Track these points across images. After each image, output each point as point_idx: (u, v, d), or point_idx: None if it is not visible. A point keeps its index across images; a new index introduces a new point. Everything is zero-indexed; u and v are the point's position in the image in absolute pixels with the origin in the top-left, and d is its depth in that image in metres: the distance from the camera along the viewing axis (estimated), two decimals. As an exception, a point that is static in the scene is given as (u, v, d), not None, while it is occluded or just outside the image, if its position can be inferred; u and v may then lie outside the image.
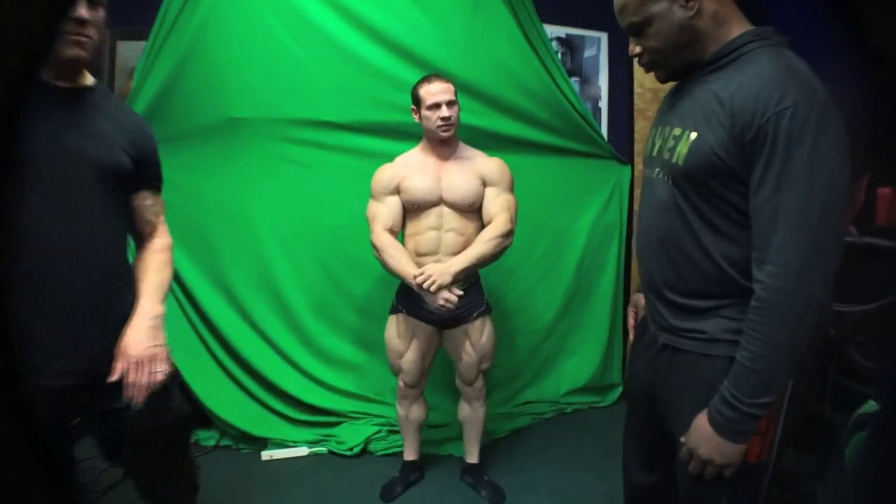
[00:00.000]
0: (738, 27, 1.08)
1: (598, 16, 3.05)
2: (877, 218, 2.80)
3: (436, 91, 2.04)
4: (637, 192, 3.21)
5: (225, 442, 2.68)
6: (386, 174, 2.15)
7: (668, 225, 1.14)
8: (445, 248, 2.09)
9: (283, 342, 2.73)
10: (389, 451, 2.61)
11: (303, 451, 2.62)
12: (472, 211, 2.12)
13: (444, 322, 2.16)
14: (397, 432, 2.66)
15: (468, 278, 2.13)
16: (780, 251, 0.96)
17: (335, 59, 2.61)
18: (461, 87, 2.68)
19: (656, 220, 1.18)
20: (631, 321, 1.54)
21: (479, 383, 2.27)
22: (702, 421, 1.07)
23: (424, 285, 1.91)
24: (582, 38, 3.06)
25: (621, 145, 3.13)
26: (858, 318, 2.06)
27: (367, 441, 2.63)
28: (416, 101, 2.10)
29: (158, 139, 2.53)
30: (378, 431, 2.67)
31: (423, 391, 2.31)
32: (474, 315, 2.18)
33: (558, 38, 3.01)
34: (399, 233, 2.16)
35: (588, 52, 3.08)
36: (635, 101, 3.17)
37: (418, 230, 2.11)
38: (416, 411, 2.31)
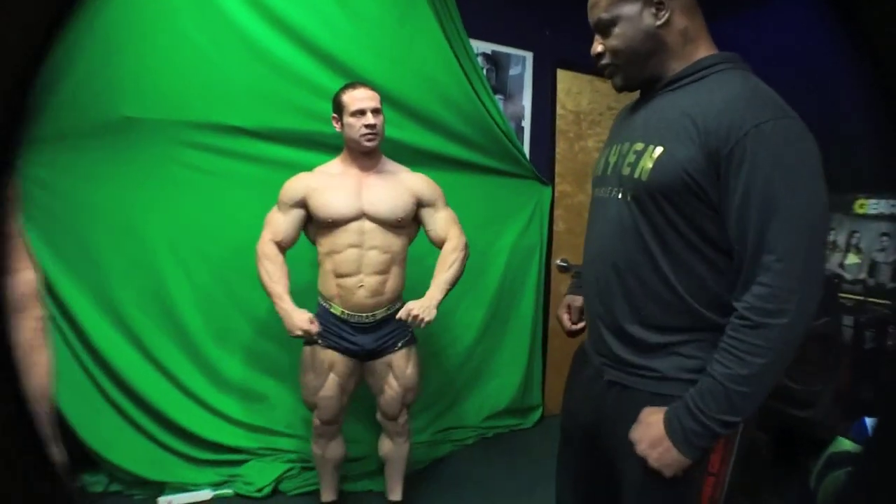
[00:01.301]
0: (704, 49, 1.06)
1: (525, 34, 3.04)
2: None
3: (361, 97, 1.90)
4: (558, 213, 3.21)
5: (114, 487, 2.36)
6: (295, 185, 1.98)
7: (624, 249, 1.07)
8: (368, 266, 1.94)
9: (181, 371, 2.44)
10: (304, 489, 2.41)
11: (206, 494, 2.36)
12: (399, 227, 1.99)
13: (368, 352, 2.01)
14: (312, 468, 2.47)
15: (391, 304, 2.00)
16: (769, 272, 0.91)
17: (248, 58, 2.38)
18: (384, 96, 2.53)
19: (609, 243, 1.11)
20: (565, 320, 1.41)
21: (403, 418, 2.13)
22: (654, 419, 1.01)
23: (413, 325, 1.83)
24: (508, 55, 3.01)
25: (542, 165, 3.13)
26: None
27: (279, 480, 2.42)
28: (338, 108, 1.94)
29: (41, 137, 2.26)
30: (290, 469, 2.46)
31: (340, 427, 2.13)
32: (399, 345, 2.04)
33: (484, 55, 2.95)
34: (287, 249, 2.03)
35: (513, 70, 3.04)
36: (557, 121, 3.18)
37: (335, 247, 1.93)
38: (334, 449, 2.13)
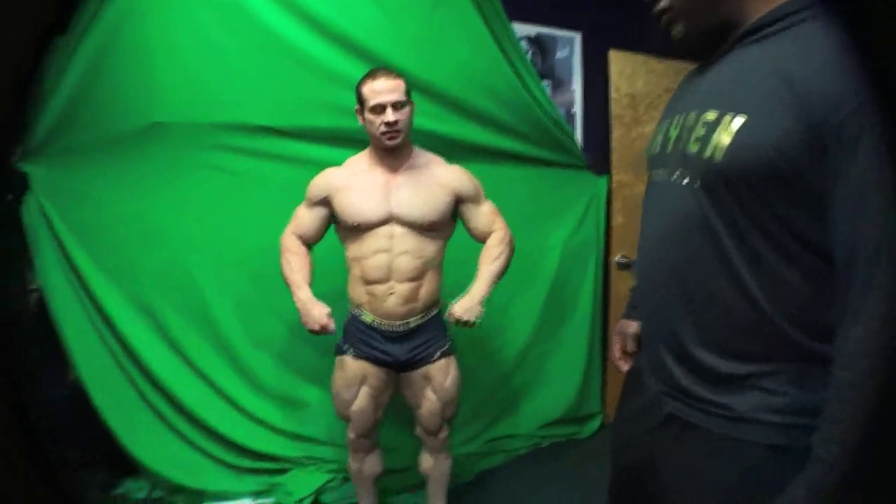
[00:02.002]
0: None
1: (572, 13, 2.83)
2: None
3: (380, 89, 1.71)
4: (616, 205, 2.98)
5: (157, 494, 2.35)
6: (319, 182, 1.88)
7: (690, 250, 0.84)
8: (398, 273, 1.79)
9: (220, 377, 2.40)
10: (345, 502, 2.30)
11: (246, 503, 2.32)
12: (431, 229, 1.81)
13: (401, 364, 1.86)
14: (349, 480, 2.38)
15: (427, 311, 1.85)
16: (889, 298, 0.66)
17: (274, 55, 2.31)
18: (418, 88, 2.40)
19: (670, 242, 0.89)
20: (616, 352, 1.23)
21: (444, 433, 1.97)
22: None
23: (460, 325, 1.72)
24: (554, 37, 2.82)
25: (597, 155, 2.91)
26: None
27: (319, 491, 2.33)
28: (360, 100, 1.79)
29: (75, 146, 2.28)
30: (331, 479, 2.37)
31: (377, 441, 2.01)
32: (436, 355, 1.88)
33: (527, 38, 2.77)
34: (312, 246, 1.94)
35: (560, 54, 2.84)
36: (612, 106, 2.95)
37: (363, 253, 1.79)
38: (371, 464, 2.01)
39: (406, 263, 1.78)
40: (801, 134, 0.70)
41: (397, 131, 1.73)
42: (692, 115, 0.86)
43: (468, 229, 1.92)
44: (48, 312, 2.30)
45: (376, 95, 1.72)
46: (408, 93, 1.79)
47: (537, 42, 2.80)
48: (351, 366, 1.86)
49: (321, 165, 2.15)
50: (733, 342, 0.82)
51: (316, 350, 2.42)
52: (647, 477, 0.98)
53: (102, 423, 2.31)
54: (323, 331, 1.74)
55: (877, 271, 0.67)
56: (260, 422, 2.42)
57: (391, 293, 1.79)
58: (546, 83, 2.82)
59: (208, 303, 2.39)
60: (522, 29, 2.73)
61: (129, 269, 2.34)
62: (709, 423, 0.85)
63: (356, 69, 2.31)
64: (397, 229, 1.78)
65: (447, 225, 1.88)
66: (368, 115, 1.75)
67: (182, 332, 2.37)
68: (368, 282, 1.81)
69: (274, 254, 2.24)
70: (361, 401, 1.88)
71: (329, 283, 2.01)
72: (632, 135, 3.00)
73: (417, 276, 1.80)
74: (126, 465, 2.39)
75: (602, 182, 2.90)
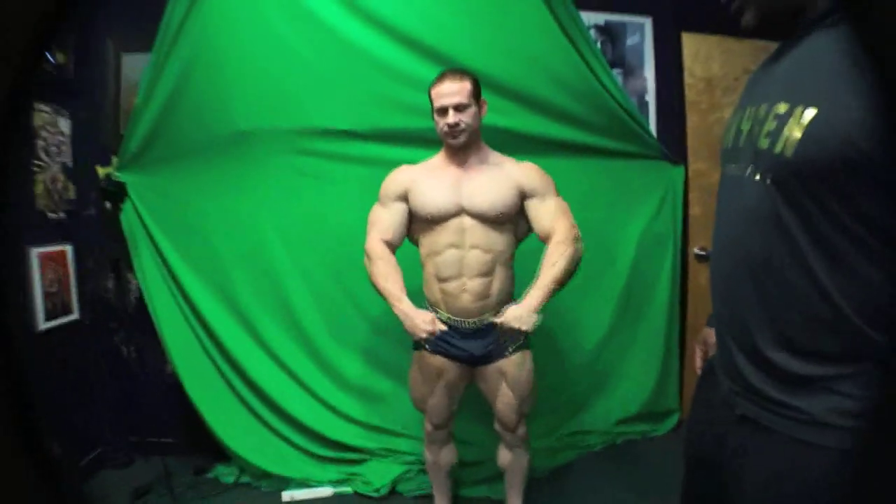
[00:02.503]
0: None
1: (640, -1, 2.75)
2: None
3: (444, 93, 1.76)
4: (693, 196, 2.87)
5: (245, 479, 2.51)
6: (397, 178, 1.90)
7: (763, 246, 0.82)
8: (469, 269, 1.81)
9: (303, 372, 2.53)
10: (420, 492, 2.37)
11: (326, 491, 2.41)
12: (502, 223, 1.82)
13: (476, 359, 1.89)
14: (426, 472, 2.43)
15: (500, 308, 1.86)
16: None
17: (350, 61, 2.39)
18: (489, 84, 2.40)
19: (743, 238, 0.86)
20: (698, 361, 1.21)
21: (522, 429, 1.98)
22: None
23: (508, 334, 1.66)
24: (623, 24, 2.75)
25: (673, 143, 2.80)
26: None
27: (396, 481, 2.41)
28: (430, 102, 1.84)
29: (167, 155, 2.45)
30: (407, 471, 2.44)
31: (451, 432, 2.05)
32: (510, 349, 1.89)
33: (597, 27, 2.71)
34: (396, 248, 1.91)
35: (630, 41, 2.77)
36: (686, 92, 2.84)
37: (435, 248, 1.83)
38: (446, 455, 2.06)
39: (476, 258, 1.80)
40: (875, 122, 0.66)
41: (460, 131, 1.76)
42: (763, 108, 0.83)
43: (533, 227, 1.85)
44: (147, 309, 2.50)
45: (440, 98, 1.77)
46: (475, 94, 1.80)
47: (607, 30, 2.73)
48: (428, 360, 1.91)
49: (397, 165, 2.21)
50: (808, 342, 0.79)
51: (394, 345, 2.50)
52: (720, 477, 0.96)
53: (196, 413, 2.49)
54: (431, 335, 1.69)
55: None
56: (340, 414, 2.52)
57: (464, 290, 1.82)
58: (617, 72, 2.75)
59: (291, 300, 2.51)
60: (591, 17, 2.68)
61: (217, 267, 2.50)
62: (780, 425, 0.83)
63: (427, 70, 2.35)
64: (467, 221, 1.80)
65: (517, 221, 1.87)
66: (435, 117, 1.81)
67: (267, 328, 2.51)
68: (442, 279, 1.84)
69: (354, 252, 2.32)
70: (438, 394, 1.92)
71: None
72: (709, 121, 2.88)
73: (488, 272, 1.82)
74: (217, 452, 2.56)
75: (678, 172, 2.80)
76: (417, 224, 1.88)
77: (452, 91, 1.75)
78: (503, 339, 1.74)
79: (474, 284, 1.82)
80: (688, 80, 2.83)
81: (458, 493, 2.27)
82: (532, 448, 2.54)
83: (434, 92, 1.79)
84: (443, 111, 1.76)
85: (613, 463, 2.60)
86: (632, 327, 2.81)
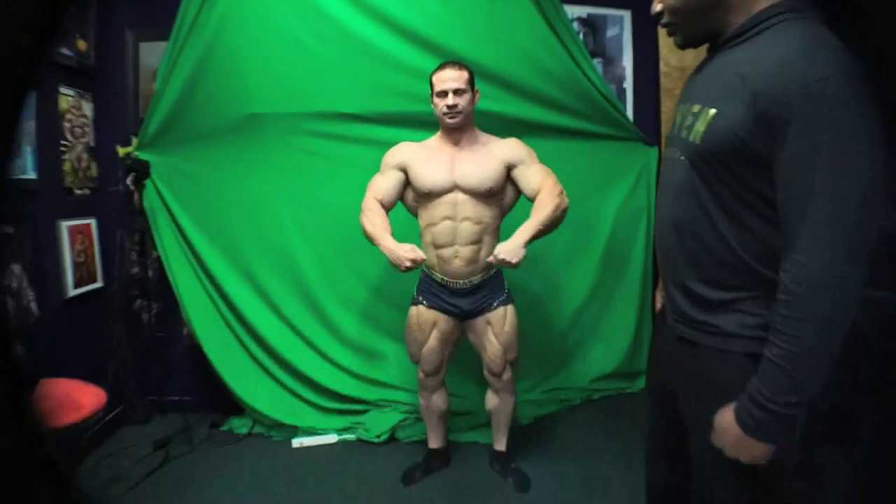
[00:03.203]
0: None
1: (621, -7, 2.97)
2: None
3: (445, 78, 2.02)
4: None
5: (258, 429, 2.77)
6: (398, 151, 2.16)
7: (685, 210, 1.07)
8: (461, 238, 2.08)
9: (311, 332, 2.79)
10: (416, 438, 2.64)
11: (332, 438, 2.68)
12: (490, 196, 2.09)
13: (466, 313, 2.17)
14: (422, 420, 2.70)
15: (486, 271, 2.13)
16: (810, 242, 0.89)
17: (352, 50, 2.61)
18: (480, 73, 2.65)
19: (673, 204, 1.11)
20: (658, 306, 1.47)
21: (507, 375, 2.25)
22: (727, 421, 1.00)
23: (502, 265, 1.89)
24: (604, 17, 2.97)
25: (648, 127, 3.05)
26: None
27: (394, 428, 2.67)
28: (431, 87, 2.09)
29: (184, 136, 2.67)
30: (405, 419, 2.71)
31: (443, 380, 2.32)
32: (495, 304, 2.17)
33: (579, 19, 2.94)
34: (388, 209, 2.14)
35: (611, 32, 3.00)
36: (661, 80, 3.07)
37: (433, 220, 2.10)
38: (437, 401, 2.32)
39: (467, 228, 2.08)
40: (752, 122, 0.92)
41: (458, 112, 2.02)
42: (687, 106, 1.09)
43: (523, 190, 2.10)
44: (167, 278, 2.74)
45: (441, 83, 2.02)
46: (471, 83, 2.06)
47: (588, 22, 2.96)
48: (424, 314, 2.19)
49: (392, 145, 2.44)
50: (718, 276, 1.05)
51: (391, 308, 2.77)
52: (671, 388, 1.21)
53: (212, 372, 2.75)
54: (414, 263, 1.88)
55: (804, 221, 0.90)
56: (344, 369, 2.79)
57: (456, 255, 2.09)
58: (598, 61, 2.99)
59: (300, 266, 2.76)
60: (574, 10, 2.91)
61: (231, 238, 2.74)
62: (705, 339, 1.08)
63: (423, 59, 2.60)
64: (460, 196, 2.07)
65: (502, 192, 2.13)
66: (435, 100, 2.06)
67: (277, 292, 2.77)
68: (437, 246, 2.11)
69: (355, 223, 2.56)
70: (432, 343, 2.20)
71: None
72: (681, 106, 3.11)
73: (477, 240, 2.09)
74: (231, 408, 2.83)
75: (652, 152, 3.05)
76: (417, 198, 2.14)
77: (452, 77, 2.01)
78: (500, 265, 1.93)
79: (465, 251, 2.08)
80: (663, 68, 3.07)
81: (452, 438, 2.54)
82: (518, 401, 2.83)
83: (435, 77, 2.04)
84: (443, 94, 2.01)
85: (591, 415, 2.89)
86: (609, 293, 3.08)
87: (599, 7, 2.96)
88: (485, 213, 2.09)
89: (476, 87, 2.09)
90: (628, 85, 3.05)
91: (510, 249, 1.87)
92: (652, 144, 3.04)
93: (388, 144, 2.59)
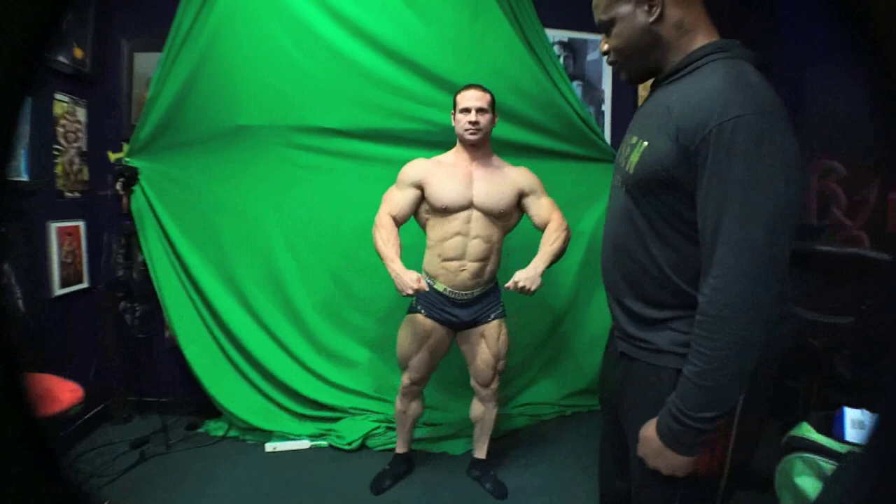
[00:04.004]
0: (702, 37, 1.07)
1: (602, 20, 3.05)
2: (889, 225, 2.73)
3: (469, 97, 2.13)
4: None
5: (233, 433, 2.82)
6: (415, 167, 2.21)
7: (623, 233, 1.15)
8: (471, 254, 2.16)
9: (289, 340, 2.85)
10: (387, 446, 2.69)
11: (304, 444, 2.73)
12: (500, 218, 2.19)
13: (464, 323, 2.25)
14: (395, 429, 2.75)
15: (488, 283, 2.23)
16: (721, 265, 0.95)
17: (335, 66, 2.70)
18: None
19: (613, 227, 1.19)
20: None
21: (495, 385, 2.33)
22: (650, 432, 1.06)
23: (520, 291, 1.96)
24: (585, 41, 3.07)
25: (625, 149, 3.12)
26: (845, 330, 2.02)
27: (366, 437, 2.72)
28: (454, 104, 2.19)
29: (174, 144, 2.76)
30: (377, 427, 2.76)
31: (423, 388, 2.38)
32: (492, 317, 2.26)
33: (561, 42, 3.03)
34: (400, 224, 2.20)
35: (591, 56, 3.09)
36: (639, 103, 3.14)
37: (445, 234, 2.17)
38: (415, 407, 2.39)
39: (477, 245, 2.17)
40: (675, 153, 1.00)
41: (478, 129, 2.12)
42: (628, 137, 1.18)
43: (531, 218, 2.24)
44: (151, 281, 2.81)
45: (466, 101, 2.14)
46: (492, 106, 2.17)
47: (570, 46, 3.06)
48: (421, 322, 2.25)
49: (377, 160, 2.56)
50: (652, 296, 1.11)
51: (369, 318, 2.85)
52: (616, 402, 1.27)
53: (190, 375, 2.81)
54: (416, 293, 1.96)
55: (717, 247, 0.96)
56: (319, 376, 2.85)
57: (463, 269, 2.17)
58: (577, 84, 3.08)
59: (281, 274, 2.83)
60: (556, 34, 3.00)
61: (215, 244, 2.82)
62: (640, 354, 1.15)
63: (405, 78, 2.69)
64: (474, 214, 2.16)
65: (511, 215, 2.25)
66: (458, 115, 2.16)
67: (258, 299, 2.84)
68: (446, 259, 2.18)
69: (339, 235, 2.65)
70: (423, 353, 2.26)
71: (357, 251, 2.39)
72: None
73: (485, 258, 2.18)
74: (209, 410, 2.88)
75: (630, 174, 3.12)
76: (431, 211, 2.20)
77: (477, 97, 2.14)
78: (518, 291, 2.00)
79: (473, 266, 2.17)
80: (640, 92, 3.16)
81: (421, 448, 2.62)
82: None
83: (461, 96, 2.16)
84: (466, 111, 2.12)
85: (562, 430, 2.95)
86: (582, 312, 3.14)
87: (580, 32, 3.05)
88: (493, 231, 2.19)
89: (495, 112, 2.19)
90: (606, 108, 3.14)
91: (530, 277, 1.97)
92: (629, 166, 3.10)
93: (371, 159, 2.70)
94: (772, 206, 0.92)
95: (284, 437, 2.76)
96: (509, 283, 1.96)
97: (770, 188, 0.92)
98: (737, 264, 0.94)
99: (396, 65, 2.71)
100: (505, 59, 2.78)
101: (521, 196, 2.22)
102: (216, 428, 2.83)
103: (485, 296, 2.25)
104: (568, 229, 2.18)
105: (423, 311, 2.25)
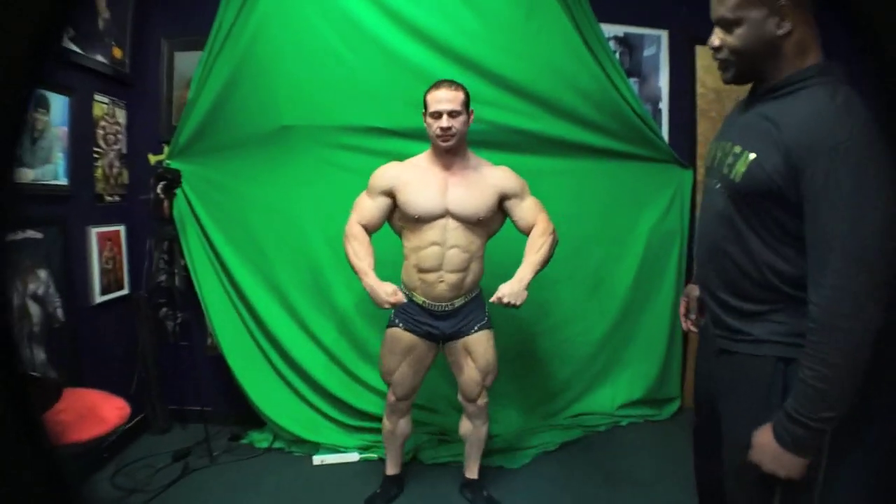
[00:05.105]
0: (812, 57, 1.12)
1: (658, 13, 2.93)
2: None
3: (440, 99, 1.95)
4: (700, 197, 3.06)
5: (278, 444, 2.73)
6: (386, 174, 2.07)
7: (723, 235, 1.21)
8: (448, 265, 2.02)
9: (335, 347, 2.75)
10: (440, 460, 2.59)
11: (354, 456, 2.64)
12: (479, 225, 2.04)
13: (445, 336, 2.11)
14: (447, 441, 2.65)
15: (469, 293, 2.09)
16: (835, 277, 1.02)
17: (386, 64, 2.59)
18: (514, 90, 2.63)
19: (712, 228, 1.26)
20: (682, 309, 1.60)
21: (483, 400, 2.19)
22: (765, 437, 1.12)
23: (505, 306, 1.87)
24: (641, 36, 2.93)
25: (683, 148, 2.99)
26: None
27: (416, 449, 2.62)
28: (424, 105, 2.02)
29: (215, 146, 2.66)
30: (427, 440, 2.66)
31: (411, 406, 2.26)
32: (475, 328, 2.12)
33: (616, 38, 2.90)
34: (372, 233, 2.11)
35: (647, 51, 2.95)
36: (698, 101, 3.02)
37: (420, 244, 2.03)
38: (403, 426, 2.26)
39: (455, 256, 2.01)
40: (785, 170, 1.07)
41: (450, 135, 1.95)
42: (728, 145, 1.21)
43: (514, 222, 2.09)
44: (193, 287, 2.73)
45: (436, 103, 1.95)
46: (466, 104, 2.00)
47: (625, 41, 2.92)
48: (401, 336, 2.11)
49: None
50: (748, 293, 1.19)
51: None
52: (713, 398, 1.33)
53: (233, 384, 2.72)
54: (393, 306, 1.90)
55: (830, 259, 1.03)
56: (368, 387, 2.73)
57: (441, 281, 2.03)
58: (633, 80, 2.94)
59: (327, 281, 2.72)
60: (611, 29, 2.86)
61: (258, 249, 2.72)
62: (739, 347, 1.22)
63: (457, 74, 2.54)
64: (451, 223, 2.00)
65: (492, 220, 2.09)
66: (428, 120, 1.99)
67: (303, 306, 2.73)
68: (422, 270, 2.04)
69: (385, 239, 2.52)
70: (406, 367, 2.13)
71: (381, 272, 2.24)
72: (717, 129, 3.05)
73: (464, 268, 2.03)
74: (251, 421, 2.79)
75: (687, 175, 2.99)
76: (404, 220, 2.07)
77: (448, 98, 1.94)
78: (503, 306, 1.88)
79: (451, 277, 2.03)
80: (700, 90, 3.02)
81: (425, 461, 2.57)
82: (542, 425, 2.78)
83: (430, 97, 1.98)
84: (437, 115, 1.95)
85: (616, 442, 2.82)
86: (638, 318, 3.01)
87: (636, 26, 2.92)
88: (473, 240, 2.04)
89: (471, 108, 2.04)
90: (664, 105, 3.00)
91: (514, 292, 1.86)
92: (687, 166, 2.98)
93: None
94: (880, 222, 1.00)
95: (333, 449, 2.67)
96: (493, 298, 1.86)
97: (878, 206, 1.00)
98: (852, 277, 1.01)
99: (449, 62, 2.59)
100: (561, 56, 2.65)
101: (503, 199, 2.05)
102: (261, 439, 2.75)
103: (467, 306, 2.09)
104: (554, 233, 2.03)
105: (401, 325, 2.11)
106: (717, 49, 1.18)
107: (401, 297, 1.89)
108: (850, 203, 1.01)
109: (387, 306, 1.90)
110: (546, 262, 2.00)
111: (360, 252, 1.99)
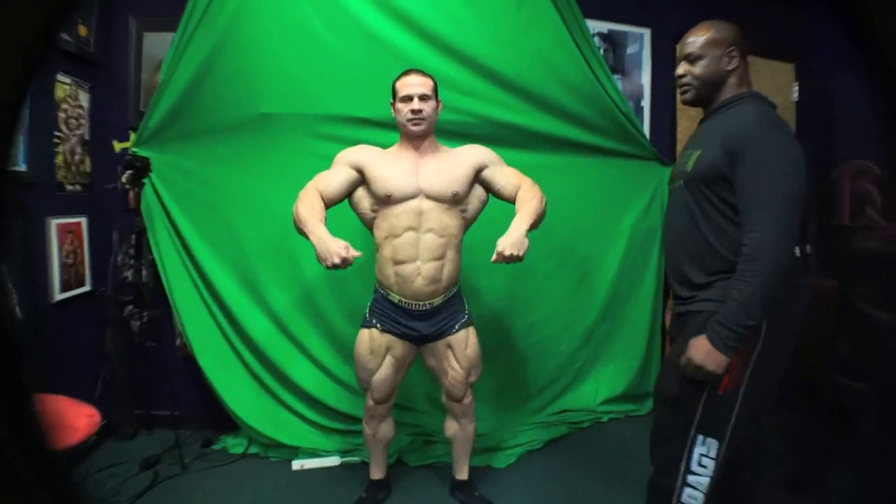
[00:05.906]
0: (745, 87, 1.54)
1: (642, 11, 2.94)
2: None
3: (410, 83, 1.92)
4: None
5: (254, 449, 2.60)
6: (355, 150, 2.01)
7: (682, 220, 1.56)
8: (425, 252, 1.93)
9: (314, 347, 2.63)
10: (425, 461, 2.51)
11: (334, 460, 2.53)
12: (455, 203, 1.97)
13: (424, 337, 2.03)
14: (433, 441, 2.58)
15: (448, 291, 2.02)
16: (757, 223, 1.38)
17: (371, 51, 2.50)
18: (502, 81, 2.58)
19: (674, 216, 1.62)
20: (667, 320, 1.90)
21: (468, 399, 2.13)
22: (699, 341, 1.44)
23: (507, 261, 1.74)
24: (625, 34, 2.94)
25: (663, 145, 3.02)
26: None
27: (401, 452, 2.53)
28: (393, 94, 1.98)
29: (187, 133, 2.50)
30: (412, 442, 2.58)
31: (390, 408, 2.18)
32: (456, 327, 2.05)
33: (600, 34, 2.90)
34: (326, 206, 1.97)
35: (630, 49, 2.97)
36: (678, 99, 3.04)
37: (394, 230, 1.94)
38: (384, 430, 2.18)
39: (431, 241, 1.93)
40: (722, 155, 1.44)
41: (422, 119, 1.92)
42: (688, 152, 1.58)
43: (498, 191, 2.01)
44: (162, 283, 2.56)
45: (406, 87, 1.93)
46: (435, 92, 1.98)
47: (609, 38, 2.92)
48: (377, 338, 2.02)
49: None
50: (705, 263, 1.52)
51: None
52: (673, 357, 1.60)
53: (204, 386, 2.57)
54: (344, 263, 1.71)
55: (755, 214, 1.39)
56: (348, 387, 2.62)
57: (418, 273, 1.94)
58: (617, 77, 2.94)
59: (305, 276, 2.60)
60: (596, 26, 2.86)
61: (232, 243, 2.58)
62: (690, 307, 1.55)
63: (445, 65, 2.50)
64: (426, 204, 1.93)
65: (469, 199, 2.02)
66: (398, 105, 1.95)
67: (279, 302, 2.60)
68: (398, 261, 1.94)
69: (365, 232, 2.43)
70: (384, 370, 2.04)
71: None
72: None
73: (441, 255, 1.95)
74: (224, 425, 2.65)
75: (667, 172, 2.99)
76: (376, 205, 1.98)
77: (418, 83, 1.93)
78: (505, 261, 1.76)
79: (428, 268, 1.94)
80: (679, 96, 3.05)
81: (413, 462, 2.50)
82: (528, 423, 2.74)
83: (399, 83, 1.95)
84: (408, 99, 1.91)
85: (599, 437, 2.81)
86: (619, 314, 3.02)
87: (621, 24, 2.92)
88: (450, 223, 1.96)
89: (440, 99, 2.00)
90: (645, 103, 3.02)
91: (515, 242, 1.74)
92: (667, 164, 3.00)
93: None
94: (787, 189, 1.37)
95: (312, 453, 2.54)
96: (494, 256, 1.73)
97: (785, 178, 1.38)
98: (767, 222, 1.37)
99: (436, 51, 2.53)
100: (550, 48, 2.63)
101: (480, 170, 1.99)
102: (235, 444, 2.60)
103: (446, 304, 2.02)
104: (540, 191, 1.95)
105: (378, 326, 2.02)
106: (681, 76, 1.56)
107: (354, 253, 1.72)
108: (768, 174, 1.38)
109: (336, 260, 1.70)
110: (539, 215, 1.89)
111: (311, 207, 1.85)
